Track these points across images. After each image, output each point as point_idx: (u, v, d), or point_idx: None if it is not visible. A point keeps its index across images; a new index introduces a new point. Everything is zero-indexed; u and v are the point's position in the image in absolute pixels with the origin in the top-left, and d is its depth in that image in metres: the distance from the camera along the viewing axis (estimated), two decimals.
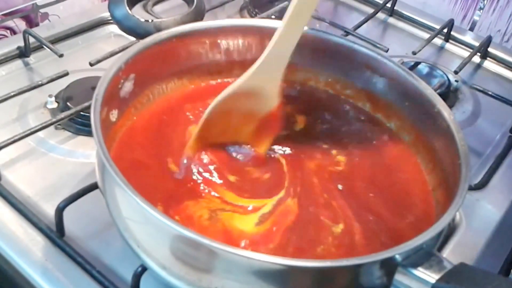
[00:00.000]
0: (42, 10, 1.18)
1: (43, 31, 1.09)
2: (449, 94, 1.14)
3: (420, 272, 0.59)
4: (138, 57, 0.78)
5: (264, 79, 0.80)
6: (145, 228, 0.63)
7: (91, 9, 1.25)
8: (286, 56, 0.81)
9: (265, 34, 0.88)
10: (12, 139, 0.85)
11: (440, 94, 0.82)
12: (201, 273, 0.61)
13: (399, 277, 0.60)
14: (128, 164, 0.75)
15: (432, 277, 0.59)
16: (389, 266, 0.60)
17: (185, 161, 0.77)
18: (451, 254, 0.83)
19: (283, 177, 0.79)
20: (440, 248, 0.82)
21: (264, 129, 0.82)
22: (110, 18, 1.16)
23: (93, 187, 0.77)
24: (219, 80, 0.91)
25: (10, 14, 1.13)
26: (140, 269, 0.69)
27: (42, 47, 1.07)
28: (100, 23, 1.19)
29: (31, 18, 1.17)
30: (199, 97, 0.88)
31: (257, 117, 0.81)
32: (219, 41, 0.89)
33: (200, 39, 0.86)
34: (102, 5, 1.26)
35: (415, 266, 0.60)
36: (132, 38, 0.95)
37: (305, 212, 0.74)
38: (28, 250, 0.76)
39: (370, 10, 1.35)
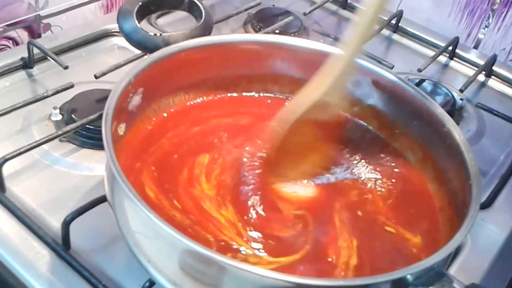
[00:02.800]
0: (44, 21, 1.18)
1: (46, 42, 1.09)
2: (454, 112, 1.14)
3: None
4: (147, 71, 0.78)
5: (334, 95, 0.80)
6: (156, 243, 0.63)
7: (94, 20, 1.24)
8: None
9: (273, 49, 0.89)
10: (18, 152, 0.84)
11: None
12: None
13: None
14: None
15: None
16: (400, 286, 0.60)
17: None
18: (456, 274, 0.83)
19: None
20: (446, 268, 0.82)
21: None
22: (113, 30, 1.17)
23: (100, 200, 0.77)
24: (223, 95, 0.91)
25: (13, 25, 1.13)
26: (147, 284, 0.69)
27: (46, 58, 1.06)
28: (103, 35, 1.18)
29: (33, 29, 1.17)
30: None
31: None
32: (227, 56, 0.88)
33: (208, 54, 0.86)
34: (105, 17, 1.26)
35: (426, 286, 0.59)
36: (137, 51, 0.95)
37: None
38: (34, 263, 0.75)
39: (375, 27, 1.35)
